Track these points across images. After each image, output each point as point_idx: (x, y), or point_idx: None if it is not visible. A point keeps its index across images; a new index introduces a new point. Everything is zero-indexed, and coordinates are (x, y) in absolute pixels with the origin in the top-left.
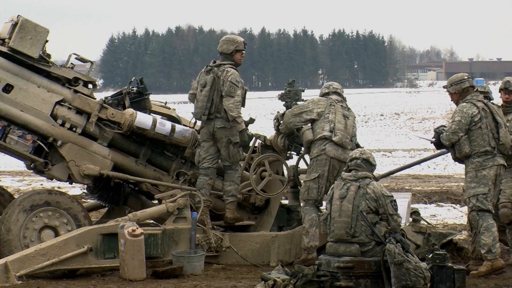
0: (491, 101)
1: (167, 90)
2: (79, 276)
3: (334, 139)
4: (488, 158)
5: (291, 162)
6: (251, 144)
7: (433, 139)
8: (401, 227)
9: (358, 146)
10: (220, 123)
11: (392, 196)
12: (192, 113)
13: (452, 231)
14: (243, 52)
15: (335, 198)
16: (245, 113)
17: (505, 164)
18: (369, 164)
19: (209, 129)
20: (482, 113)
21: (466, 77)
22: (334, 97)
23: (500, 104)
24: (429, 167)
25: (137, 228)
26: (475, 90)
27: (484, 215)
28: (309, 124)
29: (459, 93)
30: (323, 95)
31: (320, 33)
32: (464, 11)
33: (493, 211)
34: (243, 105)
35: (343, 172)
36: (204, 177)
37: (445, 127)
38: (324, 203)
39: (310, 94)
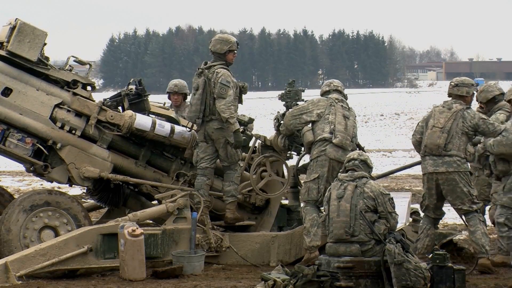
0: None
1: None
2: (79, 276)
3: (334, 141)
4: None
5: (290, 162)
6: (251, 144)
7: None
8: (401, 227)
9: (359, 146)
10: (217, 124)
11: (389, 194)
12: (187, 116)
13: (452, 231)
14: (236, 52)
15: (332, 199)
16: (245, 113)
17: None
18: (367, 166)
19: (205, 131)
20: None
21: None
22: (334, 95)
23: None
24: None
25: (137, 228)
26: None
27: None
28: (310, 125)
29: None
30: (324, 93)
31: (320, 33)
32: (463, 11)
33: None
34: (240, 102)
35: (339, 174)
36: (202, 177)
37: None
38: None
39: (310, 94)
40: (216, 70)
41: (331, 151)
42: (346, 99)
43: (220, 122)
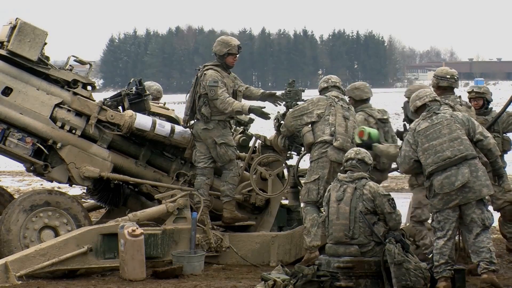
0: (489, 104)
1: (167, 90)
2: (79, 276)
3: (335, 144)
4: None
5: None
6: (251, 144)
7: None
8: (402, 227)
9: None
10: (202, 125)
11: (389, 195)
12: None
13: None
14: (236, 55)
15: (332, 201)
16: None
17: None
18: (365, 164)
19: (195, 129)
20: None
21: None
22: (334, 93)
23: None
24: None
25: (137, 228)
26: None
27: None
28: (310, 126)
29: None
30: (322, 89)
31: (320, 33)
32: (463, 11)
33: None
34: (235, 97)
35: (338, 174)
36: (201, 177)
37: None
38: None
39: (310, 94)
40: (204, 71)
41: (332, 153)
42: (345, 95)
43: (204, 123)
